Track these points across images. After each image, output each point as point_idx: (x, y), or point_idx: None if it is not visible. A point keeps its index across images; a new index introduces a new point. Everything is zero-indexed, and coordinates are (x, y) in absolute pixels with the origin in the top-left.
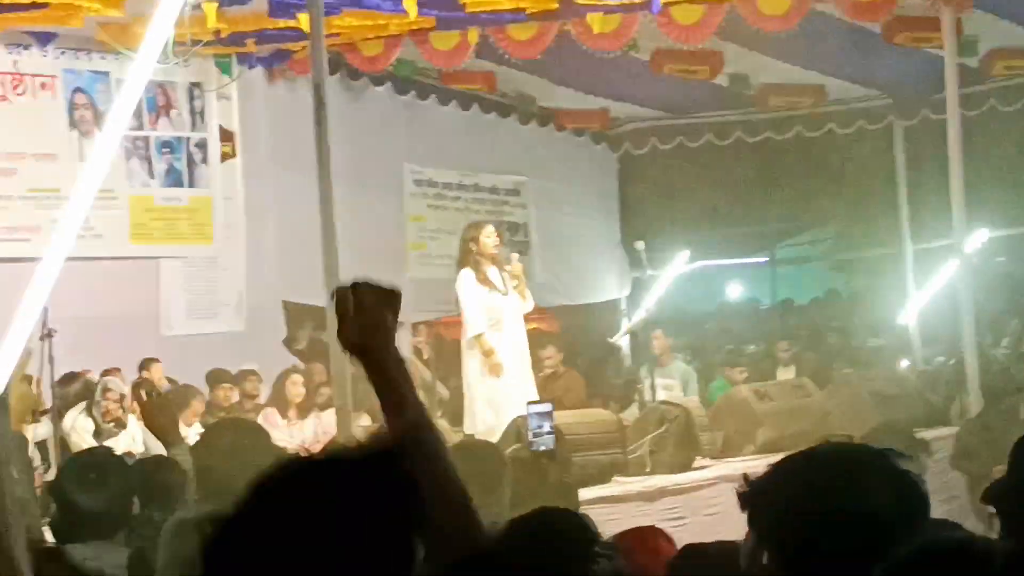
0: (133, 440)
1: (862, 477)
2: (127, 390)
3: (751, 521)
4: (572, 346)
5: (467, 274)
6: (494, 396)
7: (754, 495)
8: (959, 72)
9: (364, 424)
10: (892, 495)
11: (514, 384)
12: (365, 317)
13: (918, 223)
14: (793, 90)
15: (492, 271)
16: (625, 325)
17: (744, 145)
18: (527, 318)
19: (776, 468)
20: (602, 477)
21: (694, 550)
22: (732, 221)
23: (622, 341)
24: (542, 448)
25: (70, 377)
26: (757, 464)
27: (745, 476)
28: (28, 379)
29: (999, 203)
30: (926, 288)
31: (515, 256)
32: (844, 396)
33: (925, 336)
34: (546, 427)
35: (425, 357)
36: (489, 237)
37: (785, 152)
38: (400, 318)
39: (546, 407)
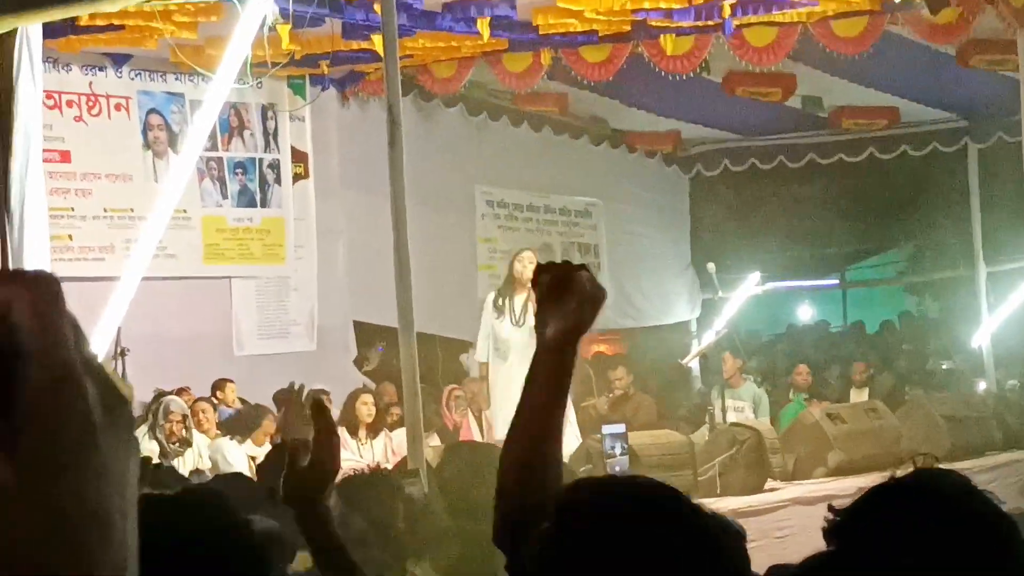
0: (200, 457)
1: (958, 510)
2: (187, 409)
3: (839, 554)
4: (642, 368)
5: (488, 298)
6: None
7: (843, 525)
8: None
9: (433, 444)
10: (985, 531)
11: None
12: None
13: (992, 246)
14: (866, 112)
15: (518, 299)
16: (696, 347)
17: (816, 167)
18: (593, 339)
19: (867, 498)
20: None
21: (778, 570)
22: (803, 243)
23: (692, 363)
24: (616, 469)
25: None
26: (828, 487)
27: (831, 507)
28: None
29: None
30: (999, 311)
31: None
32: (917, 419)
33: (998, 359)
34: (619, 448)
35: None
36: (520, 262)
37: (858, 174)
38: (469, 337)
39: (620, 428)
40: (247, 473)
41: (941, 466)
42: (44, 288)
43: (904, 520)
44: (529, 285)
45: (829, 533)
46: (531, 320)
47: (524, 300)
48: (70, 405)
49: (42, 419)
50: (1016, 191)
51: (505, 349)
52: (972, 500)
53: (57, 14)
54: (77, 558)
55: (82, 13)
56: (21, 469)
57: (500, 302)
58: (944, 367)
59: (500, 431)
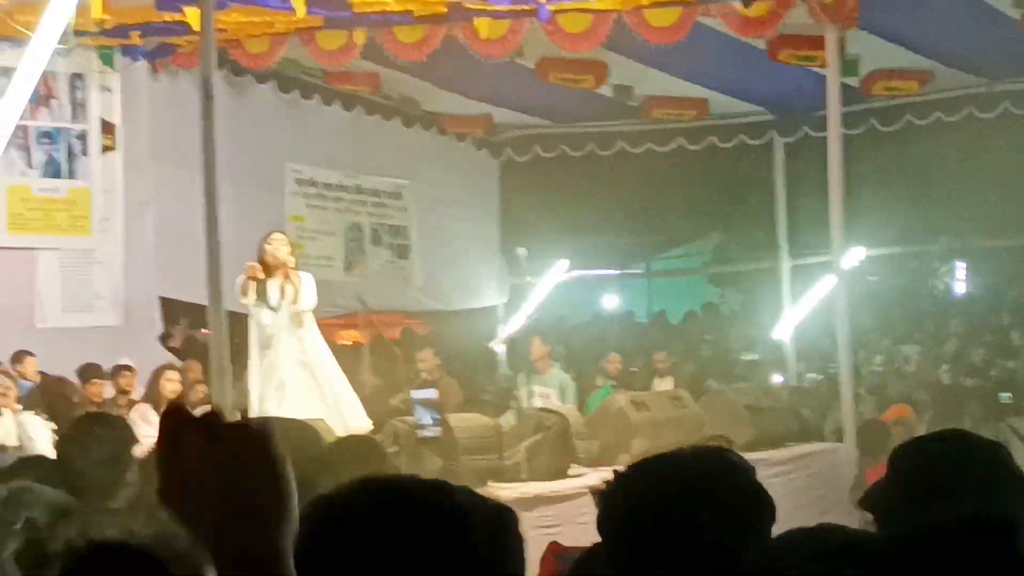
0: (7, 434)
1: (704, 482)
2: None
3: (598, 526)
4: (449, 351)
5: (236, 284)
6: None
7: (603, 500)
8: (840, 91)
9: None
10: (735, 498)
11: (298, 403)
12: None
13: (795, 239)
14: (676, 103)
15: (272, 284)
16: (503, 331)
17: (626, 156)
18: (401, 321)
19: (620, 475)
20: (478, 483)
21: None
22: (611, 231)
23: (499, 348)
24: (428, 436)
25: None
26: None
27: (607, 481)
28: None
29: (876, 222)
30: (801, 304)
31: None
32: (719, 408)
33: (800, 352)
34: (431, 417)
35: None
36: (271, 244)
37: (666, 164)
38: None
39: (429, 393)
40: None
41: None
42: None
43: (653, 495)
44: (287, 267)
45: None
46: (288, 306)
47: (279, 284)
48: None
49: None
50: (820, 185)
51: (268, 336)
52: (733, 475)
53: None
54: None
55: None
56: None
57: (258, 288)
58: (745, 358)
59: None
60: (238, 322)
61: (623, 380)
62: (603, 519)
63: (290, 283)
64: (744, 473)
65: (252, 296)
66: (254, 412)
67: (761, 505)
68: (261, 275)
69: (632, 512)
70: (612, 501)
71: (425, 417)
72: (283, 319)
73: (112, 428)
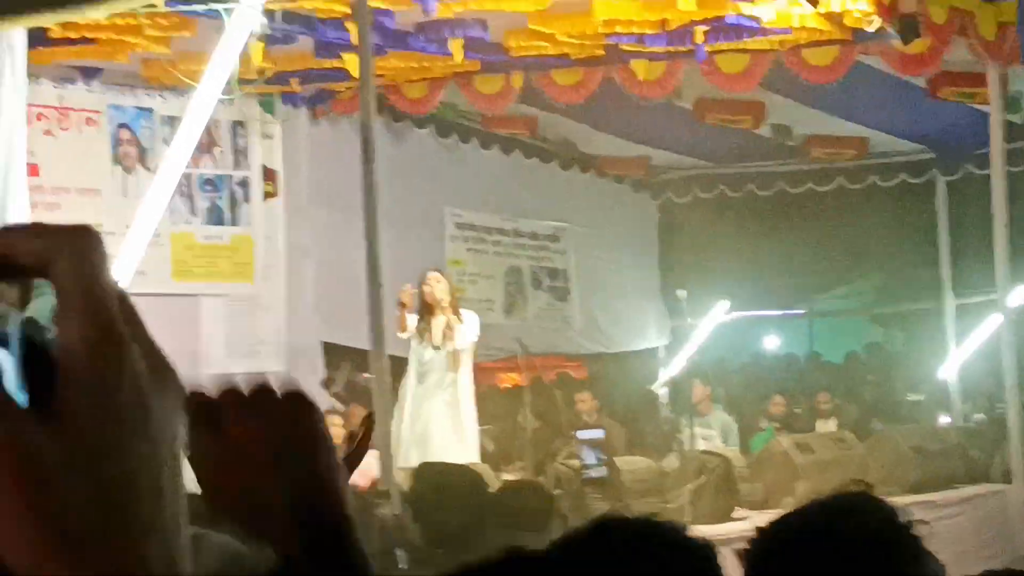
0: None
1: (857, 534)
2: None
3: None
4: (610, 394)
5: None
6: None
7: (748, 562)
8: (1003, 128)
9: (404, 467)
10: (886, 551)
11: (440, 443)
12: None
13: (959, 278)
14: (836, 142)
15: (436, 322)
16: (664, 374)
17: (786, 196)
18: (561, 364)
19: (763, 532)
20: None
21: None
22: (771, 272)
23: (661, 390)
24: (594, 476)
25: None
26: None
27: (749, 540)
28: None
29: None
30: (966, 343)
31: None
32: (885, 450)
33: (965, 392)
34: (595, 457)
35: None
36: (428, 284)
37: (827, 204)
38: None
39: (596, 433)
40: None
41: (904, 497)
42: (86, 242)
43: (800, 554)
44: (444, 306)
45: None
46: (449, 344)
47: (443, 323)
48: (118, 369)
49: (87, 385)
50: (984, 224)
51: (425, 372)
52: (885, 525)
53: (42, 19)
54: (128, 540)
55: (67, 19)
56: (67, 440)
57: (420, 327)
58: (910, 399)
59: (408, 455)
60: (399, 366)
61: (786, 422)
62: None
63: (450, 324)
64: (893, 522)
65: (412, 332)
66: (397, 443)
67: (917, 558)
68: (410, 302)
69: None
70: (757, 563)
71: (591, 457)
72: (442, 357)
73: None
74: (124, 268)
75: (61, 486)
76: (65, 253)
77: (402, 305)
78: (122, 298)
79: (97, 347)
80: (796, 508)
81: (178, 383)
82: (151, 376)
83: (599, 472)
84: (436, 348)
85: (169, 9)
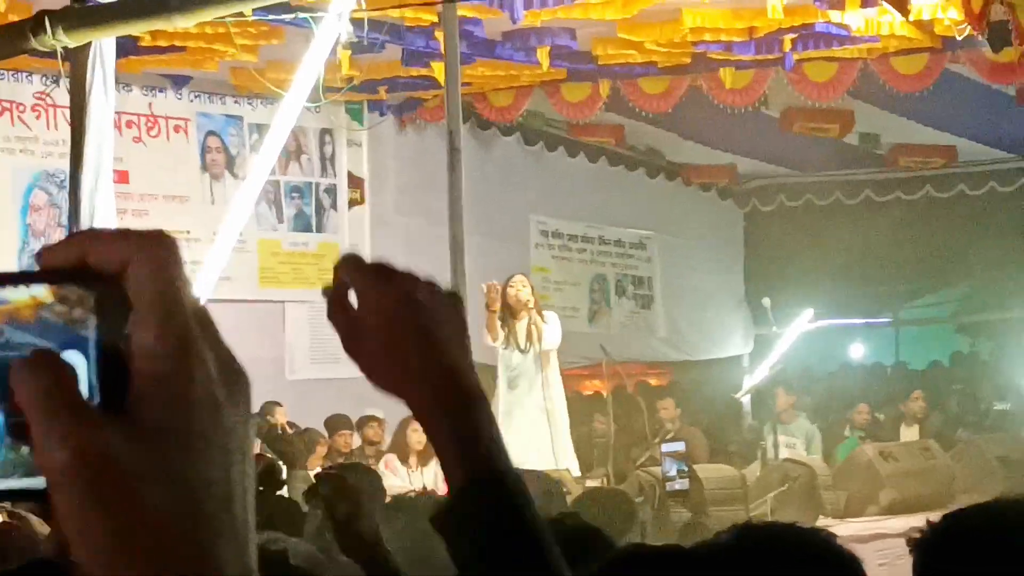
0: None
1: None
2: None
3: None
4: (693, 402)
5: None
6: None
7: (928, 547)
8: None
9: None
10: None
11: (533, 449)
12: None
13: None
14: (924, 150)
15: (520, 325)
16: (748, 382)
17: (872, 204)
18: (644, 371)
19: (953, 522)
20: None
21: None
22: (857, 280)
23: (744, 399)
24: (677, 488)
25: None
26: (881, 525)
27: (928, 522)
28: None
29: None
30: None
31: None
32: (970, 459)
33: None
34: (677, 469)
35: None
36: (513, 287)
37: (914, 212)
38: None
39: (677, 446)
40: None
41: None
42: (162, 248)
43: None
44: (530, 307)
45: (915, 547)
46: (536, 346)
47: (527, 325)
48: (191, 376)
49: (159, 389)
50: None
51: (514, 377)
52: None
53: (131, 29)
54: (203, 545)
55: (156, 28)
56: (141, 444)
57: (505, 331)
58: (997, 408)
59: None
60: (482, 372)
61: (870, 431)
62: (920, 570)
63: (535, 325)
64: None
65: (500, 338)
66: None
67: None
68: (497, 303)
69: (954, 566)
70: (930, 553)
71: (672, 469)
72: (530, 360)
73: (365, 478)
74: (209, 274)
75: (136, 489)
76: (141, 258)
77: (491, 311)
78: (195, 304)
79: (170, 352)
80: (974, 505)
81: (248, 389)
82: (223, 381)
83: (682, 484)
84: (523, 351)
85: (257, 18)
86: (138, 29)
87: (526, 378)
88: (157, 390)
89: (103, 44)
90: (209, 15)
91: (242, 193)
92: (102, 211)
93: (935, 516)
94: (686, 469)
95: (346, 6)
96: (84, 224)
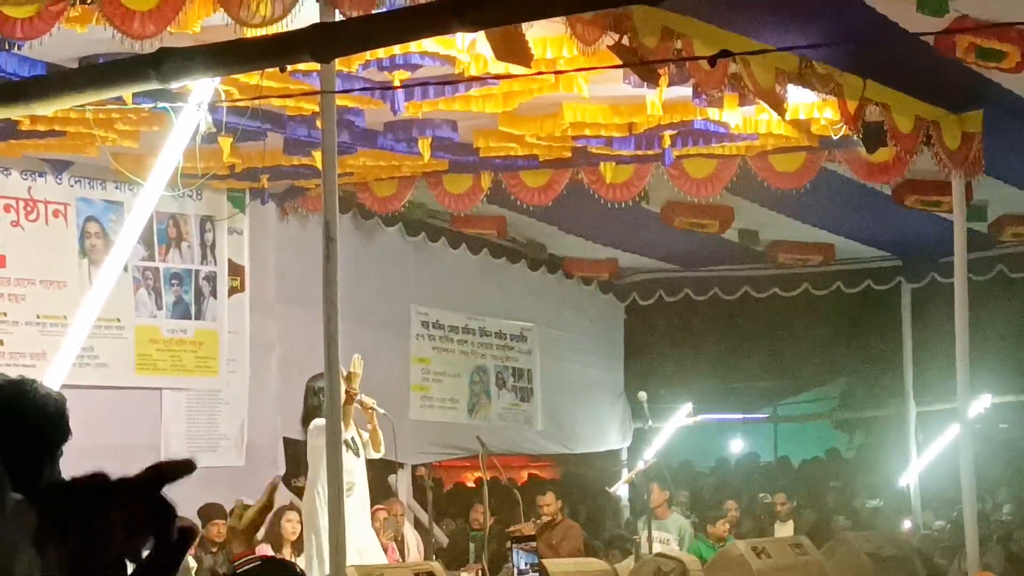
0: None
1: None
2: None
3: None
4: (573, 494)
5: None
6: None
7: None
8: (968, 236)
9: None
10: None
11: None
12: None
13: (922, 385)
14: (802, 248)
15: (350, 430)
16: (624, 476)
17: (750, 300)
18: (526, 464)
19: None
20: None
21: None
22: (736, 376)
23: (622, 491)
24: None
25: None
26: None
27: None
28: None
29: (1003, 369)
30: (928, 451)
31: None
32: (842, 556)
33: (926, 499)
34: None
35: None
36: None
37: (791, 309)
38: (401, 459)
39: (530, 541)
40: None
41: None
42: None
43: None
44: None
45: None
46: (365, 450)
47: (354, 431)
48: None
49: None
50: (947, 332)
51: (350, 481)
52: None
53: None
54: None
55: (16, 115)
56: None
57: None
58: (871, 505)
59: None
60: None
61: (743, 525)
62: None
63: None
64: None
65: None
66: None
67: None
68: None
69: None
70: None
71: (522, 562)
72: (363, 464)
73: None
74: (67, 356)
75: None
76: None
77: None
78: None
79: None
80: None
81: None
82: None
83: None
84: (356, 456)
85: (115, 107)
86: (12, 113)
87: (360, 483)
88: None
89: None
90: (69, 103)
91: (101, 274)
92: None
93: None
94: (535, 562)
95: (205, 96)
96: None
